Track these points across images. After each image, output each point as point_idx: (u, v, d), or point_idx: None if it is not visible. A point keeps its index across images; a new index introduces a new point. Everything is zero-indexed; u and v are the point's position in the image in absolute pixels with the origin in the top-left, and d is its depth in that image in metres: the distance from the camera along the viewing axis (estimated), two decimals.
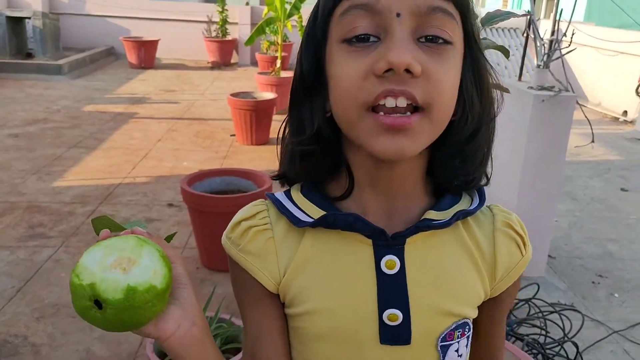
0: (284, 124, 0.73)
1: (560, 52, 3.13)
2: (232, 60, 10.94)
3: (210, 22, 10.79)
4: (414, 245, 0.69)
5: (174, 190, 4.37)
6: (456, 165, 0.69)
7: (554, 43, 3.13)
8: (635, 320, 2.96)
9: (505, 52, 1.11)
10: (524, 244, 0.74)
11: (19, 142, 5.48)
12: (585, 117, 3.20)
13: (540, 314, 2.51)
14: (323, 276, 0.70)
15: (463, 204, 0.72)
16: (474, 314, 0.73)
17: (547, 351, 2.29)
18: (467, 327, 0.73)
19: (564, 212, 4.42)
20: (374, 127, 0.61)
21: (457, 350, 0.72)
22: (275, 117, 6.02)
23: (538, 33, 2.96)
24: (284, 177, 0.74)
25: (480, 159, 0.70)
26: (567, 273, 3.43)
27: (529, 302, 2.62)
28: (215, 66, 10.57)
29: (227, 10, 10.59)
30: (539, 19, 3.07)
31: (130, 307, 0.59)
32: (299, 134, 0.69)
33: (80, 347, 2.56)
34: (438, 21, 0.61)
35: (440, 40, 0.61)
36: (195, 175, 3.34)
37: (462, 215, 0.70)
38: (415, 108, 0.61)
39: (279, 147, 0.74)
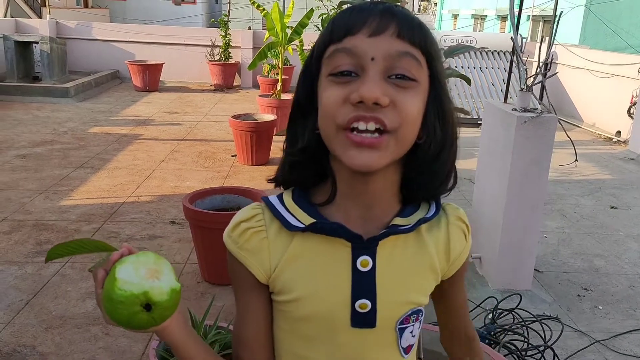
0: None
1: (543, 76, 3.30)
2: (235, 83, 11.19)
3: (213, 45, 11.06)
4: (384, 247, 0.84)
5: (176, 209, 4.53)
6: (425, 181, 0.84)
7: (537, 67, 3.31)
8: (618, 331, 3.08)
9: (467, 80, 1.28)
10: (468, 231, 0.92)
11: (27, 162, 5.67)
12: (568, 137, 3.37)
13: (522, 323, 2.64)
14: (308, 271, 0.85)
15: (422, 212, 0.87)
16: (425, 300, 0.90)
17: (527, 358, 2.42)
18: (421, 313, 0.89)
19: (554, 228, 4.56)
20: (346, 143, 0.76)
21: (411, 332, 0.89)
22: (275, 137, 6.20)
23: (520, 58, 3.14)
24: (277, 180, 0.91)
25: (444, 176, 0.86)
26: (554, 286, 3.56)
27: (512, 312, 2.76)
28: (218, 89, 10.81)
29: (230, 34, 10.87)
30: (520, 44, 3.20)
31: (172, 305, 0.76)
32: (292, 146, 0.86)
33: (86, 356, 2.70)
34: (405, 63, 0.76)
35: (407, 78, 0.76)
36: (197, 194, 3.50)
37: (422, 221, 0.86)
38: (382, 131, 0.75)
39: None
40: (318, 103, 0.81)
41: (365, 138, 0.75)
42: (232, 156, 6.14)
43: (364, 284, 0.84)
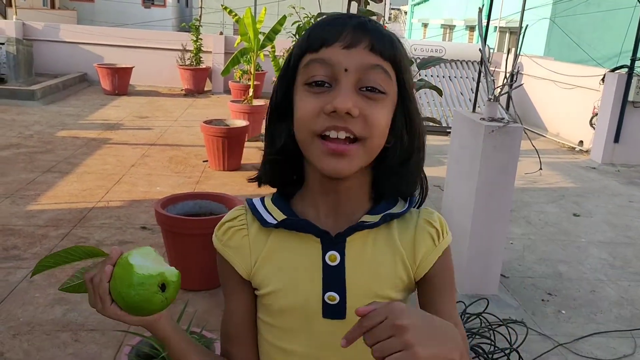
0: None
1: (509, 87, 3.40)
2: (206, 88, 11.14)
3: (184, 50, 11.00)
4: (353, 243, 0.90)
5: (147, 214, 4.50)
6: (393, 182, 0.91)
7: (504, 78, 3.41)
8: (580, 335, 3.19)
9: (439, 91, 1.34)
10: (439, 236, 0.93)
11: None
12: (534, 146, 3.49)
13: (489, 327, 2.72)
14: (282, 265, 0.91)
15: (395, 209, 0.92)
16: (397, 295, 0.93)
17: None
18: None
19: (520, 235, 4.68)
20: (321, 151, 0.82)
21: None
22: (247, 143, 6.20)
23: (488, 70, 3.24)
24: (258, 179, 0.96)
25: (412, 179, 0.93)
26: (519, 291, 3.66)
27: (480, 316, 2.84)
28: (188, 93, 10.75)
29: (201, 39, 10.83)
30: (488, 55, 3.35)
31: (179, 286, 0.85)
32: (270, 146, 0.92)
33: None
34: (376, 76, 0.82)
35: (377, 90, 0.82)
36: (169, 199, 3.49)
37: (389, 217, 0.91)
38: (353, 139, 0.82)
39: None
40: (294, 109, 0.86)
41: (338, 146, 0.82)
42: (204, 162, 6.12)
43: (333, 278, 0.89)
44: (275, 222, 0.90)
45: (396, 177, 0.90)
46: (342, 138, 0.81)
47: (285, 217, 0.90)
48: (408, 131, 0.89)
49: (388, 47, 0.84)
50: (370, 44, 0.82)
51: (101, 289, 0.83)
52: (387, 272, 0.91)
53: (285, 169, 0.92)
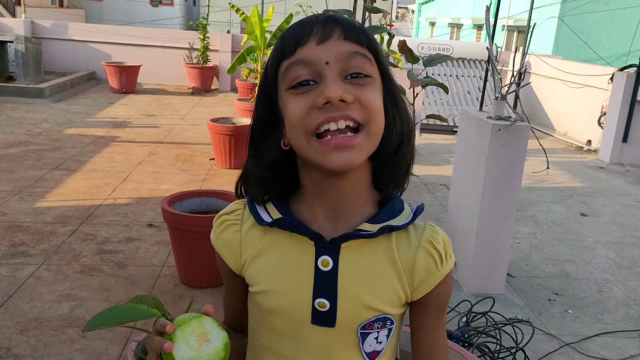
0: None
1: (517, 85, 3.39)
2: (213, 86, 11.16)
3: (191, 48, 11.03)
4: (348, 250, 0.86)
5: (154, 212, 4.51)
6: (389, 171, 0.87)
7: (512, 77, 3.40)
8: (587, 334, 3.18)
9: (445, 88, 1.33)
10: (441, 261, 0.89)
11: (0, 163, 5.58)
12: (541, 145, 3.47)
13: (495, 325, 2.72)
14: (274, 265, 0.89)
15: (397, 220, 0.88)
16: (394, 311, 0.89)
17: (499, 359, 2.49)
18: (389, 321, 0.89)
19: (526, 234, 4.67)
20: (323, 149, 0.79)
21: (376, 338, 0.89)
22: None
23: (495, 68, 3.23)
24: (246, 195, 0.94)
25: (406, 167, 0.90)
26: (526, 291, 3.65)
27: (486, 315, 2.83)
28: (195, 92, 10.78)
29: (208, 37, 10.86)
30: (495, 54, 3.35)
31: (228, 354, 0.80)
32: (259, 163, 0.89)
33: (62, 359, 2.68)
34: (358, 62, 0.81)
35: (362, 75, 0.81)
36: (176, 196, 3.51)
37: (388, 229, 0.86)
38: (355, 129, 0.79)
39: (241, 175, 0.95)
40: (284, 118, 0.83)
41: (339, 139, 0.78)
42: (210, 159, 6.14)
43: (324, 284, 0.86)
44: (270, 220, 0.88)
45: (392, 165, 0.87)
46: (343, 128, 0.78)
47: (281, 216, 0.88)
48: (399, 115, 0.87)
49: (361, 34, 0.83)
50: (343, 34, 0.81)
51: None
52: (382, 286, 0.88)
53: (277, 184, 0.89)
